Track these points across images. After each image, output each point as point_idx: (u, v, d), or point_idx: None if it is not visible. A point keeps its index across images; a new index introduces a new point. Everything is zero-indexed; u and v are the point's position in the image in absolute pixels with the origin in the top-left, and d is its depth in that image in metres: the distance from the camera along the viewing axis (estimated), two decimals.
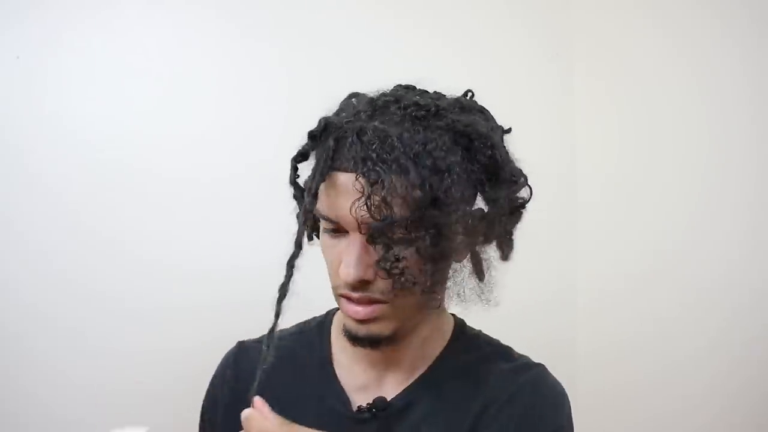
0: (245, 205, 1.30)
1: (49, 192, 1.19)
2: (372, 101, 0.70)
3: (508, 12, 1.58)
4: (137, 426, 0.67)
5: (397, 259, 0.65)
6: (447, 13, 1.52)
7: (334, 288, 0.71)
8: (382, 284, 0.67)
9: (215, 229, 1.28)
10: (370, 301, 0.68)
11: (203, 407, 0.85)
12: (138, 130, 1.25)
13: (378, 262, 0.65)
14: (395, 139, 0.63)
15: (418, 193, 0.63)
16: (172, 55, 1.29)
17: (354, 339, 0.72)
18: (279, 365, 0.77)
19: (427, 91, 0.74)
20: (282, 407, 0.71)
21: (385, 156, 0.63)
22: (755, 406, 1.29)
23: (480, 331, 0.83)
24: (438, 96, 0.74)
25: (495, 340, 0.83)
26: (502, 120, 0.75)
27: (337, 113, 0.72)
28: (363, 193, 0.63)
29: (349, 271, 0.66)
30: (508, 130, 0.77)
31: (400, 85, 0.76)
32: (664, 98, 1.45)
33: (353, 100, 0.74)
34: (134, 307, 1.23)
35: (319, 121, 0.69)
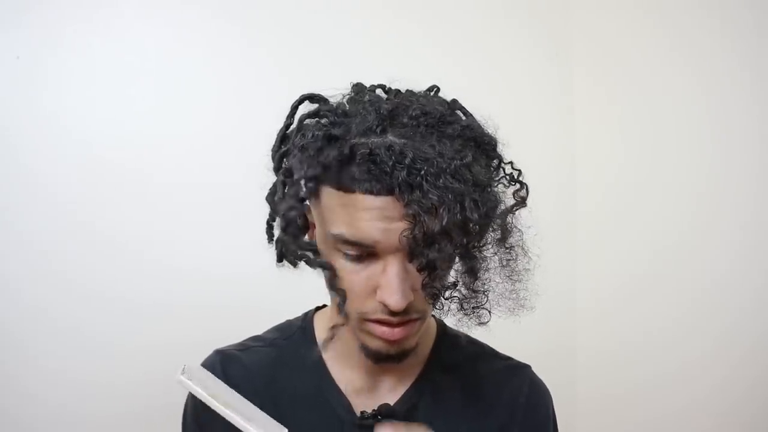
0: (244, 205, 1.29)
1: (48, 192, 1.19)
2: (377, 111, 0.64)
3: (508, 12, 1.58)
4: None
5: (442, 278, 0.63)
6: (447, 13, 1.52)
7: (362, 314, 0.66)
8: (419, 303, 0.65)
9: (215, 230, 1.28)
10: (406, 321, 0.66)
11: (190, 424, 0.77)
12: (137, 130, 1.25)
13: (426, 286, 0.62)
14: (434, 158, 0.59)
15: (475, 216, 0.59)
16: (172, 55, 1.29)
17: (382, 358, 0.69)
18: (274, 372, 0.77)
19: (413, 92, 0.72)
20: (283, 413, 0.71)
21: (429, 179, 0.58)
22: (758, 410, 1.29)
23: (458, 330, 0.81)
24: (426, 96, 0.72)
25: (474, 338, 0.83)
26: (502, 120, 0.75)
27: (327, 125, 0.65)
28: (415, 220, 0.58)
29: (397, 298, 0.61)
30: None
31: (373, 86, 0.72)
32: (664, 98, 1.45)
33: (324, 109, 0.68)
34: (134, 307, 1.23)
35: (315, 135, 0.63)
